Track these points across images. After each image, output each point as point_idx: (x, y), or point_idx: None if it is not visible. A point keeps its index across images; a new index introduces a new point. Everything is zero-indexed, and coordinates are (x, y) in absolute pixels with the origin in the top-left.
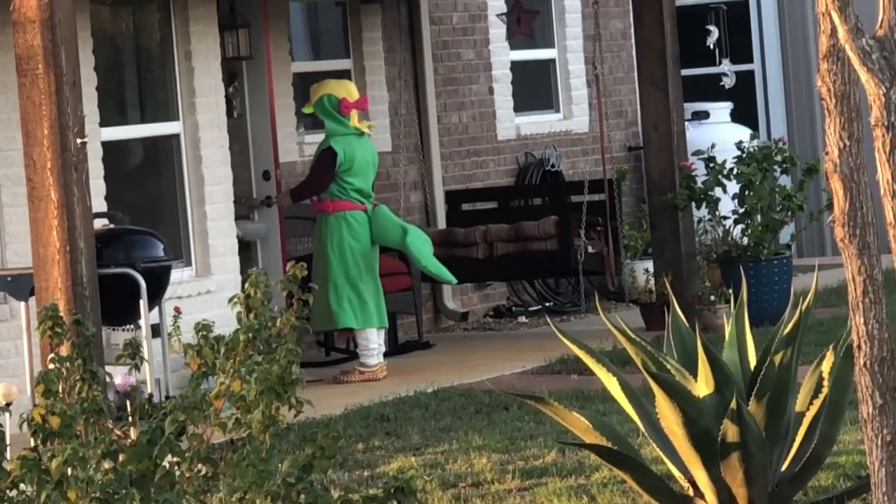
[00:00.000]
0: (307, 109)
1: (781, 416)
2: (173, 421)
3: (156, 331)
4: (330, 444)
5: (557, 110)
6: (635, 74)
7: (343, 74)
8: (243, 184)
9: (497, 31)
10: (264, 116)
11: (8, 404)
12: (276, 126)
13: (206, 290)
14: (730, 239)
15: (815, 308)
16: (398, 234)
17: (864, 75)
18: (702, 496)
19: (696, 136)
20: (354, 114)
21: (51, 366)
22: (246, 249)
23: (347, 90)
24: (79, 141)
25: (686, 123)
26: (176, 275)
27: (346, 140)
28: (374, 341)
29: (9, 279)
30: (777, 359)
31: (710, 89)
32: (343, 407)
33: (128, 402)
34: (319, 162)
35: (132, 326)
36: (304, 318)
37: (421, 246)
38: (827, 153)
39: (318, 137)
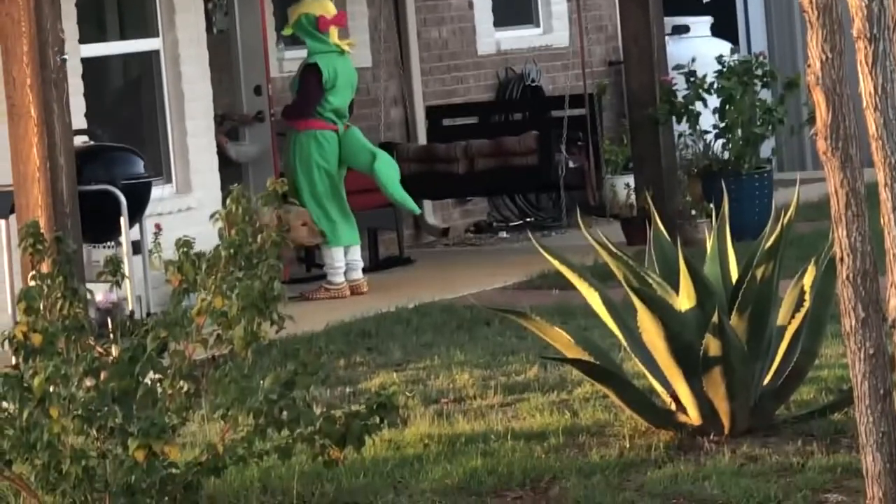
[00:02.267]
0: (287, 31)
1: (763, 329)
2: (155, 338)
3: (137, 248)
4: (312, 361)
5: (537, 25)
6: None
7: None
8: (233, 99)
9: None
10: (254, 31)
11: None
12: (267, 40)
13: (187, 207)
14: (711, 153)
15: (796, 222)
16: (367, 159)
17: None
18: (684, 410)
19: (677, 50)
20: (334, 30)
21: (32, 283)
22: (236, 166)
23: (324, 7)
24: (58, 58)
25: (666, 38)
26: (156, 191)
27: (329, 57)
28: (338, 259)
29: None
30: (759, 273)
31: (690, 3)
32: (325, 323)
33: (109, 319)
34: (305, 80)
35: (113, 243)
36: (283, 234)
37: (388, 172)
38: (809, 66)
39: (298, 53)
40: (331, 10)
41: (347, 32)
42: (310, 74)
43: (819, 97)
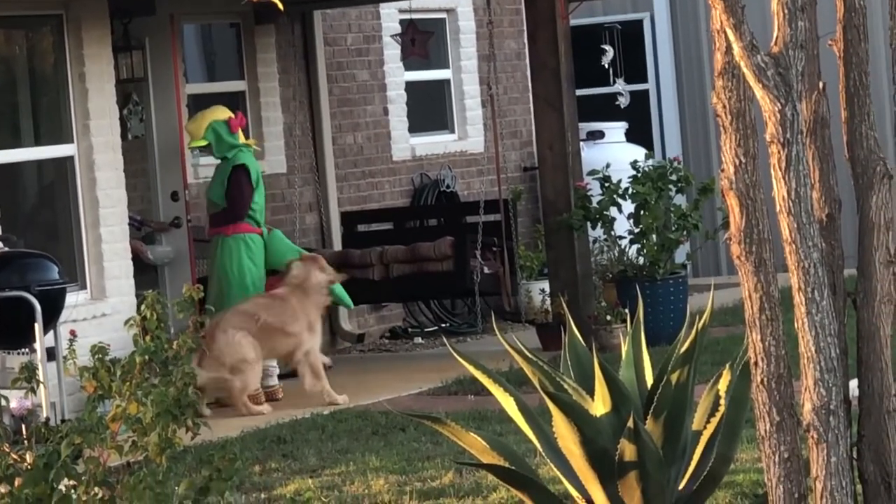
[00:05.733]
0: (198, 143)
1: (679, 434)
2: (69, 444)
3: (51, 354)
4: (227, 466)
5: (452, 131)
6: (530, 94)
7: (238, 96)
8: (149, 205)
9: (392, 51)
10: (170, 137)
11: None
12: (184, 146)
13: (102, 314)
14: (625, 258)
15: (711, 327)
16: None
17: (759, 92)
18: None
19: (592, 155)
20: (240, 132)
21: None
22: (153, 271)
23: (224, 112)
24: None
25: (581, 143)
26: (71, 298)
27: (248, 156)
28: None
29: None
30: (674, 378)
31: (605, 109)
32: (240, 429)
33: (24, 426)
34: (237, 182)
35: (27, 350)
36: (199, 340)
37: None
38: (723, 170)
39: (214, 160)
40: (229, 113)
41: (248, 133)
42: (241, 175)
43: (733, 201)
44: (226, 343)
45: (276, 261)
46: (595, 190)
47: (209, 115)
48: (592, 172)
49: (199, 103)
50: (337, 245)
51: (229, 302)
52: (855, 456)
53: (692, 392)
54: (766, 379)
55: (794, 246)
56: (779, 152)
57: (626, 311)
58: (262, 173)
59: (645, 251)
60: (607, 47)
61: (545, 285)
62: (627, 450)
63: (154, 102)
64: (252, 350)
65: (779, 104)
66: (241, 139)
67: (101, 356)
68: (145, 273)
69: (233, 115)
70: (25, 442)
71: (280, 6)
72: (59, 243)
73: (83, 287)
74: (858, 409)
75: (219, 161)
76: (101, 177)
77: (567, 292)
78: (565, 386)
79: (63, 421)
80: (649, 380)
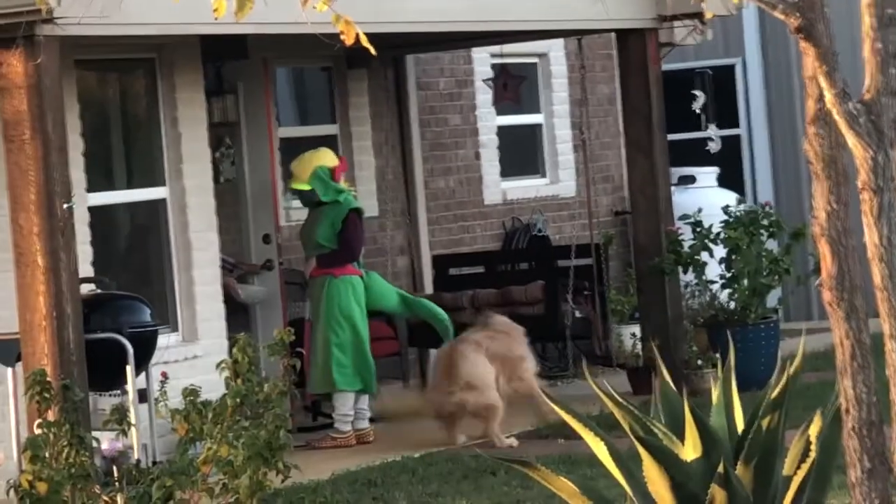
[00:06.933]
0: (302, 185)
1: (769, 480)
2: (160, 486)
3: (143, 396)
4: None
5: (544, 175)
6: (622, 139)
7: (329, 139)
8: (241, 248)
9: (483, 96)
10: (262, 180)
11: None
12: (276, 190)
13: (193, 356)
14: (717, 303)
15: (802, 372)
16: (396, 299)
17: (851, 139)
18: None
19: (683, 200)
20: (342, 178)
21: (38, 431)
22: (245, 312)
23: (332, 158)
24: (65, 206)
25: (672, 188)
26: (163, 340)
27: (355, 203)
28: (348, 408)
29: None
30: (764, 423)
31: (696, 154)
32: (330, 472)
33: (115, 468)
34: (353, 225)
35: (119, 392)
36: (292, 384)
37: (423, 300)
38: (814, 217)
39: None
40: (334, 159)
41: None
42: (356, 218)
43: (824, 248)
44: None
45: (378, 302)
46: (686, 235)
47: (315, 159)
48: (684, 217)
49: (291, 147)
50: (428, 288)
51: (333, 342)
52: None
53: (783, 438)
54: (857, 426)
55: (885, 293)
56: (871, 199)
57: (718, 355)
58: None
59: (736, 296)
60: (698, 92)
61: (636, 329)
62: (718, 495)
63: (246, 146)
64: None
65: (871, 151)
66: (344, 185)
67: (192, 398)
68: (236, 313)
69: (338, 162)
70: (116, 483)
71: (373, 51)
72: (151, 286)
73: (175, 329)
74: None
75: (314, 204)
76: (193, 219)
77: (658, 337)
78: (655, 430)
79: (154, 463)
80: (740, 425)
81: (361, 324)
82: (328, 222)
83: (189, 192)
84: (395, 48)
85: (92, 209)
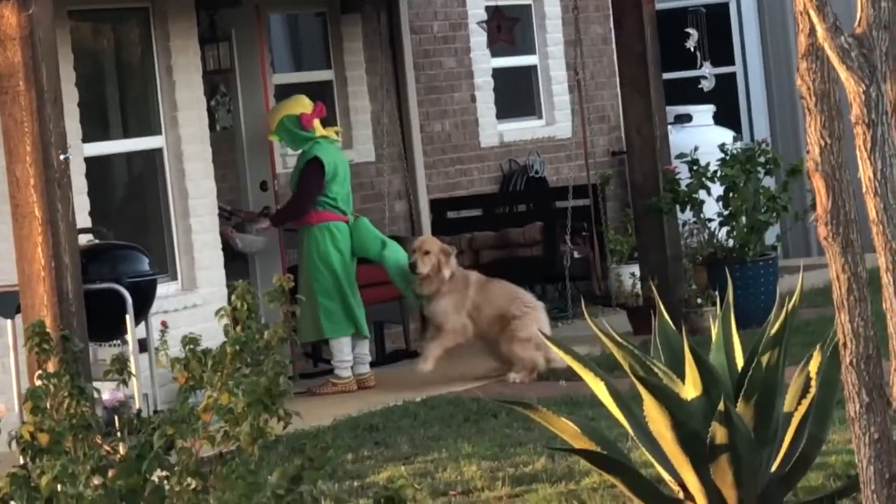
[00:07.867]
0: (272, 137)
1: (770, 417)
2: (162, 435)
3: (143, 345)
4: (319, 456)
5: (540, 116)
6: (617, 79)
7: (325, 85)
8: (238, 196)
9: (478, 38)
10: (257, 127)
11: None
12: None
13: (193, 304)
14: (715, 241)
15: (801, 308)
16: (377, 248)
17: (843, 73)
18: (692, 499)
19: (679, 139)
20: (317, 124)
21: (38, 382)
22: (244, 260)
23: (301, 104)
24: (61, 157)
25: (669, 127)
26: (162, 289)
27: (325, 148)
28: (346, 353)
29: None
30: (764, 360)
31: (691, 92)
32: (332, 418)
33: (116, 418)
34: (306, 175)
35: (119, 342)
36: (291, 330)
37: (397, 260)
38: (808, 152)
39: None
40: (308, 106)
41: (329, 122)
42: (312, 169)
43: (819, 183)
44: None
45: (360, 248)
46: (683, 173)
47: (283, 109)
48: (681, 156)
49: (286, 93)
50: (426, 232)
51: (319, 291)
52: None
53: (783, 374)
54: (855, 360)
55: (880, 227)
56: (864, 133)
57: (716, 293)
58: (349, 162)
59: (734, 233)
60: (692, 30)
61: (635, 269)
62: (719, 433)
63: (241, 93)
64: None
65: (863, 85)
66: (319, 130)
67: (192, 347)
68: (235, 260)
69: (307, 111)
70: (118, 433)
71: None
72: (149, 235)
73: (174, 278)
74: None
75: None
76: (189, 168)
77: (657, 276)
78: (656, 370)
79: (155, 412)
80: (740, 362)
81: (342, 269)
82: (296, 172)
83: (185, 141)
84: None
85: (88, 159)
